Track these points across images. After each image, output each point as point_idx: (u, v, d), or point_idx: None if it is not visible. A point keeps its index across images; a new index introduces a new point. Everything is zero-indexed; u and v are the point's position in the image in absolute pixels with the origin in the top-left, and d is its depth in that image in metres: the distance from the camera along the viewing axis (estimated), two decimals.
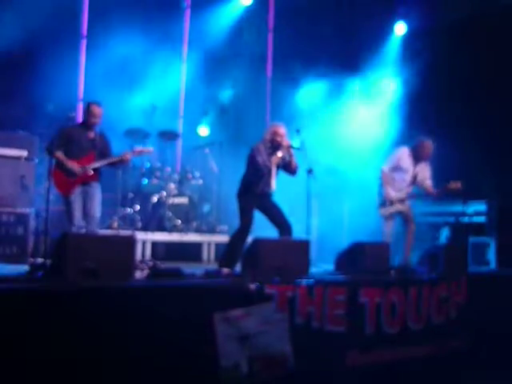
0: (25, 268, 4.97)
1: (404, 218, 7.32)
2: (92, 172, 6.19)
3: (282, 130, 6.35)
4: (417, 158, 7.28)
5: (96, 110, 6.25)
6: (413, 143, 7.34)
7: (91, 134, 6.28)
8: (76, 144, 6.16)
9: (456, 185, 7.03)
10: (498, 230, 8.25)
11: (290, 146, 6.25)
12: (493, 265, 7.79)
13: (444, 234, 8.64)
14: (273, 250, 5.28)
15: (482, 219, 8.57)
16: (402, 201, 7.23)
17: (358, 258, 5.81)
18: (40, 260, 5.12)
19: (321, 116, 9.80)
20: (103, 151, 6.32)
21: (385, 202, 7.23)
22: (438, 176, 8.77)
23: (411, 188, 7.31)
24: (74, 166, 6.09)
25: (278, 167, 6.36)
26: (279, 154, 6.23)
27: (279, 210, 6.32)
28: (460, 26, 9.64)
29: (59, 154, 6.10)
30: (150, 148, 6.91)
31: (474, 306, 6.18)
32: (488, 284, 6.61)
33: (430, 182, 7.35)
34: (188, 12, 10.49)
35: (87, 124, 6.28)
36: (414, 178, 7.27)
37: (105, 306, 4.09)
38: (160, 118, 9.24)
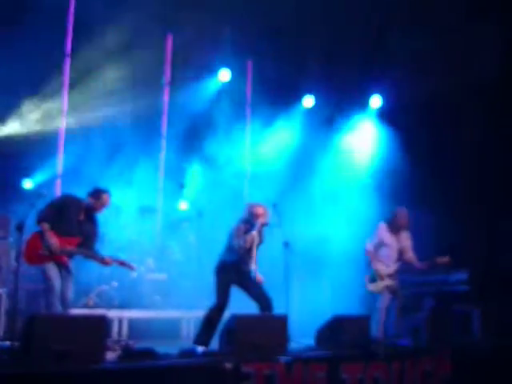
0: None
1: (392, 294, 7.25)
2: (66, 257, 5.90)
3: (261, 209, 6.32)
4: (395, 229, 7.27)
5: (107, 199, 6.10)
6: (388, 216, 7.35)
7: (82, 216, 6.03)
8: (66, 221, 5.91)
9: (444, 259, 7.10)
10: (481, 299, 8.16)
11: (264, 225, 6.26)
12: (477, 335, 7.65)
13: (427, 305, 8.53)
14: (250, 326, 5.18)
15: (464, 288, 8.50)
16: (391, 276, 7.20)
17: (338, 332, 5.69)
18: (7, 343, 4.93)
19: (301, 186, 9.88)
20: (89, 234, 6.07)
21: (375, 278, 7.20)
22: (421, 245, 8.81)
23: (399, 263, 7.29)
24: (55, 244, 5.78)
25: (258, 245, 6.34)
26: (253, 233, 6.19)
27: (259, 285, 6.22)
28: (439, 101, 9.90)
29: (46, 227, 5.81)
30: (134, 265, 6.44)
31: (458, 379, 6.02)
32: (473, 355, 6.46)
33: (412, 253, 7.31)
34: (167, 89, 10.68)
35: (91, 210, 6.06)
36: (400, 252, 7.27)
37: None
38: (139, 193, 9.22)
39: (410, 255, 7.28)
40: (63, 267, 5.94)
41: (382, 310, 7.11)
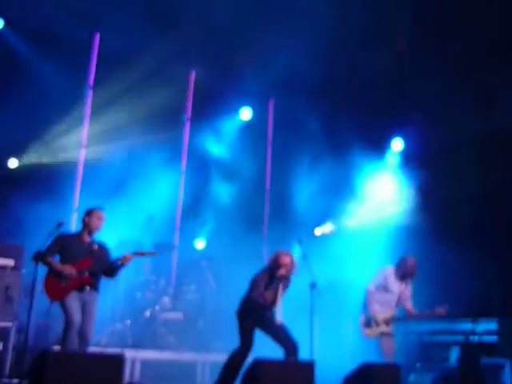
0: None
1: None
2: (87, 274, 5.81)
3: (287, 259, 5.97)
4: (401, 276, 7.09)
5: (100, 213, 6.09)
6: (397, 261, 7.16)
7: (87, 239, 6.03)
8: (72, 250, 5.88)
9: (442, 310, 6.86)
10: None
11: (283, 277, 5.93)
12: None
13: (454, 354, 8.11)
14: (274, 372, 4.85)
15: (493, 338, 8.11)
16: (387, 322, 6.95)
17: (367, 381, 5.32)
18: (15, 381, 4.63)
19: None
20: (102, 259, 6.00)
21: (370, 322, 6.96)
22: (449, 294, 8.49)
23: (395, 309, 7.06)
24: (66, 268, 5.73)
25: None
26: (271, 290, 5.89)
27: (283, 327, 5.89)
28: (459, 146, 9.72)
29: (49, 259, 5.77)
30: (153, 251, 6.55)
31: None
32: None
33: (411, 302, 7.10)
34: (188, 125, 10.57)
35: (89, 229, 6.03)
36: (399, 298, 7.08)
37: None
38: (156, 230, 8.99)
39: (409, 304, 7.06)
40: (88, 290, 5.81)
41: (386, 354, 6.83)
